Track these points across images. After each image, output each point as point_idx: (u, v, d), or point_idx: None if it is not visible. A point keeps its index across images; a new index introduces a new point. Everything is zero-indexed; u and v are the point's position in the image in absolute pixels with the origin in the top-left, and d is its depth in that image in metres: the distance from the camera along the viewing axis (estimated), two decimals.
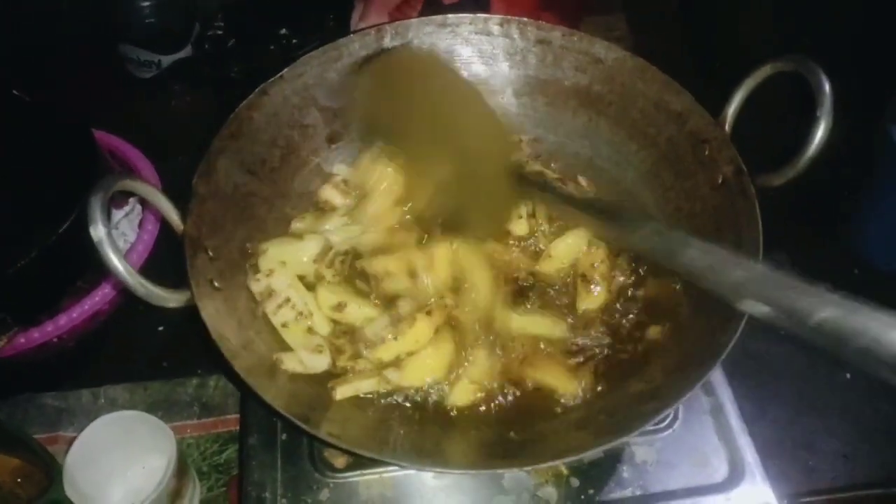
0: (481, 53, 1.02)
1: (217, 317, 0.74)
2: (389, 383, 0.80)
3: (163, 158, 1.23)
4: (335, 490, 0.82)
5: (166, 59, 1.40)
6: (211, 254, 0.80)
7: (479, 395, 0.81)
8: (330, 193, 0.95)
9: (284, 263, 0.86)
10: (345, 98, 0.98)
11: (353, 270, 0.87)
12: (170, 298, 0.73)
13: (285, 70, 0.93)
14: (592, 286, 0.88)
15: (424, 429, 0.77)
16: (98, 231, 0.67)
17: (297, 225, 0.93)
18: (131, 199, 1.15)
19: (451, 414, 0.80)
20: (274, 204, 0.92)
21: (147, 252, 1.11)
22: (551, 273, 0.91)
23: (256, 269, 0.85)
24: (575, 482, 0.82)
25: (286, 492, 0.82)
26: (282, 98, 0.93)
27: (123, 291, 0.72)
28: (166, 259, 0.95)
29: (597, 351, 0.85)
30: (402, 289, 0.85)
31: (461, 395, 0.81)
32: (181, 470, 0.89)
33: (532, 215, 0.95)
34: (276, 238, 0.89)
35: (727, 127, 0.87)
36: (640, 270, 0.90)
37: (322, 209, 0.95)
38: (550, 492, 0.81)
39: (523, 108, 1.04)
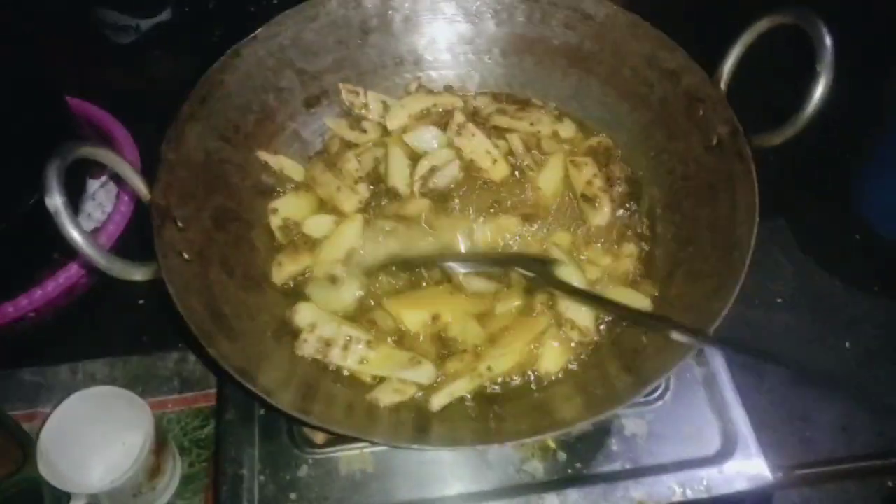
0: (466, 11, 0.98)
1: (186, 292, 0.71)
2: (482, 376, 0.77)
3: (142, 127, 1.19)
4: (314, 466, 0.79)
5: (145, 24, 1.36)
6: (180, 224, 0.76)
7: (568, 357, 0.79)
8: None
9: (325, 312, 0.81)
10: (322, 60, 0.93)
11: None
12: (135, 272, 0.70)
13: (259, 30, 0.89)
14: (596, 202, 0.88)
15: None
16: (54, 200, 0.63)
17: (279, 273, 0.85)
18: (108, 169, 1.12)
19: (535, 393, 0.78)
20: (249, 172, 0.88)
21: (125, 223, 1.08)
22: (550, 204, 0.90)
23: (298, 332, 0.79)
24: (562, 456, 0.80)
25: (264, 468, 0.79)
26: (256, 60, 0.89)
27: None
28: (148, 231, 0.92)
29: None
30: None
31: (554, 361, 0.78)
32: (161, 446, 0.87)
33: (509, 153, 0.93)
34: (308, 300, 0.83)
35: (722, 85, 0.83)
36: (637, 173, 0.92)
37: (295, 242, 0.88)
38: (536, 466, 0.79)
39: (511, 68, 1.00)
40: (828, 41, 0.75)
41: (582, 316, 0.80)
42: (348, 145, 0.96)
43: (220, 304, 0.75)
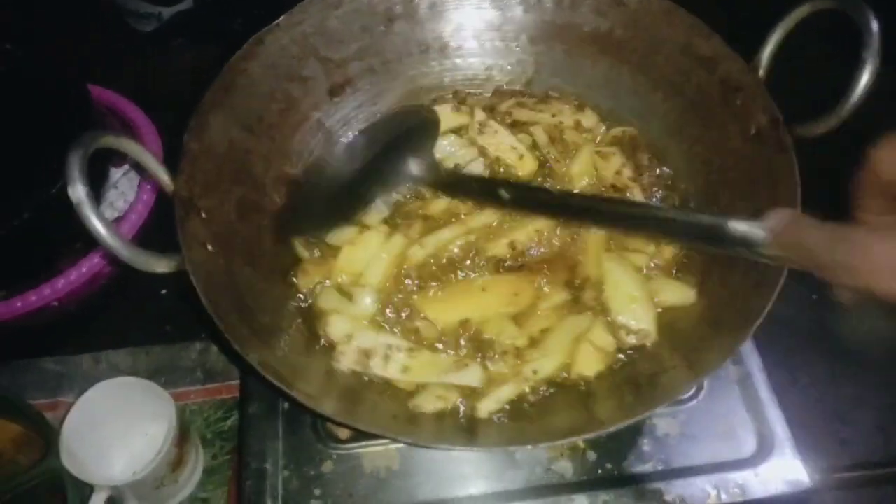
0: None
1: (211, 284, 0.69)
2: (528, 380, 0.75)
3: (165, 116, 1.18)
4: (339, 462, 0.78)
5: (167, 11, 1.35)
6: (204, 215, 0.75)
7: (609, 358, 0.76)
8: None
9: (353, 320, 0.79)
10: (346, 48, 0.91)
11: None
12: (158, 264, 0.68)
13: (282, 17, 0.88)
14: (627, 193, 0.87)
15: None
16: (77, 191, 0.62)
17: (305, 279, 0.83)
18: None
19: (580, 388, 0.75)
20: (272, 162, 0.87)
21: (147, 212, 1.07)
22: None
23: (331, 346, 0.77)
24: (592, 456, 0.78)
25: (288, 463, 0.78)
26: (279, 48, 0.87)
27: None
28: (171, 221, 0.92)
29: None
30: None
31: (590, 363, 0.75)
32: (183, 437, 0.86)
33: (533, 146, 0.91)
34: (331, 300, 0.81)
35: (761, 72, 0.81)
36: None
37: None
38: (565, 466, 0.77)
39: (539, 56, 0.98)
40: (874, 26, 0.72)
41: (638, 319, 0.76)
42: None
43: (245, 297, 0.74)
